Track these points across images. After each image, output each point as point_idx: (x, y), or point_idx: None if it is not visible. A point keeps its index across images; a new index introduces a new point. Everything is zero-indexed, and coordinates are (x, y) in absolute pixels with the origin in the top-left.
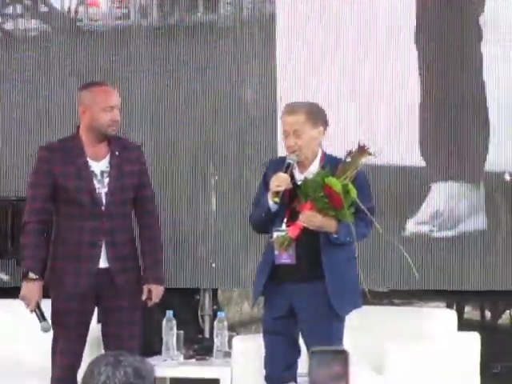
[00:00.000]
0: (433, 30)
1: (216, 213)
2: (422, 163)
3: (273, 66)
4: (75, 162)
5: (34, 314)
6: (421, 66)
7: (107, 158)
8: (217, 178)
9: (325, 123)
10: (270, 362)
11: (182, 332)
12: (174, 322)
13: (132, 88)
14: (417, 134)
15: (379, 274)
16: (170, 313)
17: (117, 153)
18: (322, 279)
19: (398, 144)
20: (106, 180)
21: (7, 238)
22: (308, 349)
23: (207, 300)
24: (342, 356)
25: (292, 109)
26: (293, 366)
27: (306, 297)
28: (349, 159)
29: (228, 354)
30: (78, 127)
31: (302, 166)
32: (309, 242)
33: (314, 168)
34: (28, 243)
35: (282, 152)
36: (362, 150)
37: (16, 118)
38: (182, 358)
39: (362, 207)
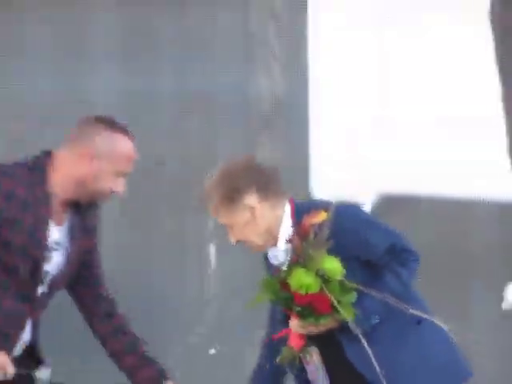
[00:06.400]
0: None
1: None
2: None
3: None
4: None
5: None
6: None
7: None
8: None
9: (259, 189)
10: None
11: None
12: None
13: None
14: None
15: None
16: None
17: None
18: None
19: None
20: None
21: None
22: None
23: None
24: None
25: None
26: None
27: None
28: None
29: None
30: (49, 154)
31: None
32: (330, 344)
33: (283, 243)
34: None
35: None
36: (304, 229)
37: None
38: None
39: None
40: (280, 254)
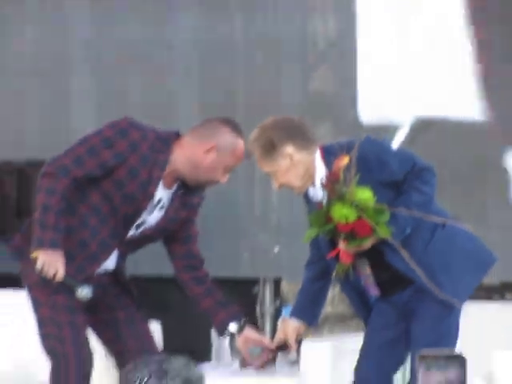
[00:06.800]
0: None
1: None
2: None
3: None
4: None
5: (62, 282)
6: None
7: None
8: None
9: (292, 138)
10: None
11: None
12: None
13: None
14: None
15: None
16: None
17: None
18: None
19: None
20: None
21: (12, 211)
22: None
23: (268, 293)
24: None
25: (248, 152)
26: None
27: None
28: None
29: (295, 362)
30: (177, 135)
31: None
32: (375, 256)
33: (319, 183)
34: (53, 205)
35: None
36: (334, 174)
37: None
38: (236, 366)
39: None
40: (318, 192)
